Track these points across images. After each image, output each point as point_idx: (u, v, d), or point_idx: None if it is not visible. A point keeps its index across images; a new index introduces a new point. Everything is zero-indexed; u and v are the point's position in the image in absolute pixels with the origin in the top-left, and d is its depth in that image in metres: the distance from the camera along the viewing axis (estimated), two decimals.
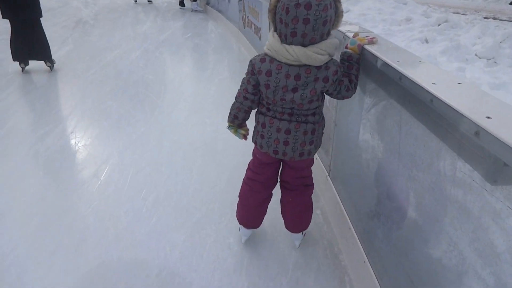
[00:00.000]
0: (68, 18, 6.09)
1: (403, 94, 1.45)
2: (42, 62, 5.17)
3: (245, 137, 2.07)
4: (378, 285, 1.70)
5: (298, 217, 2.13)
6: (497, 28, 6.88)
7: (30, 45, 4.88)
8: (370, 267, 1.80)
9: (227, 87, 4.77)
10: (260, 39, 5.15)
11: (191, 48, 6.53)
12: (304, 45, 1.59)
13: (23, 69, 5.13)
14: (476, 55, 5.90)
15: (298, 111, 1.74)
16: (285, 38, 1.61)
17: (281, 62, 1.65)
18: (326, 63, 1.63)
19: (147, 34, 7.42)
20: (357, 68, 1.74)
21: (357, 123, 1.98)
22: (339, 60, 1.75)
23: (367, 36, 1.87)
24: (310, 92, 1.66)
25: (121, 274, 2.08)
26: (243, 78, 1.82)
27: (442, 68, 1.48)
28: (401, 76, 1.44)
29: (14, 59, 4.97)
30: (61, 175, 2.96)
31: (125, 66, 5.50)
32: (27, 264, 2.13)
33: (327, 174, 2.54)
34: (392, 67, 1.51)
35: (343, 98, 1.76)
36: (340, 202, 2.27)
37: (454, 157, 1.13)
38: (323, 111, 1.88)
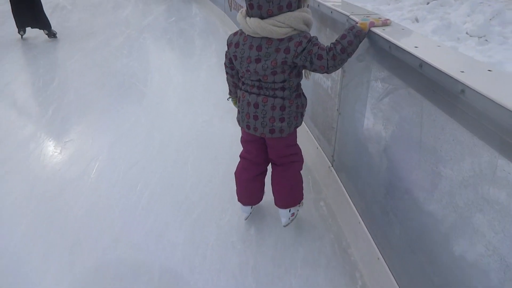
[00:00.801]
0: (44, 3, 5.76)
1: (425, 83, 1.34)
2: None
3: None
4: (396, 284, 1.62)
5: (284, 192, 2.11)
6: (484, 4, 6.81)
7: (29, 14, 5.46)
8: (386, 265, 1.72)
9: (216, 73, 4.59)
10: None
11: (176, 33, 6.29)
12: (262, 18, 1.66)
13: (22, 36, 5.76)
14: (467, 33, 5.83)
15: (265, 84, 1.77)
16: (247, 11, 1.71)
17: (248, 35, 1.73)
18: (291, 36, 1.65)
19: (129, 19, 7.12)
20: (349, 41, 1.62)
21: (366, 112, 1.87)
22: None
23: (380, 18, 1.75)
24: (271, 63, 1.69)
25: (120, 279, 1.96)
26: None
27: (463, 53, 1.36)
28: (422, 63, 1.33)
29: (17, 26, 5.61)
30: (48, 174, 2.79)
31: (108, 54, 5.26)
32: (21, 269, 1.99)
33: (330, 165, 2.44)
34: (411, 53, 1.39)
35: (319, 68, 1.66)
36: (347, 194, 2.18)
37: (493, 154, 1.03)
38: (302, 91, 1.88)
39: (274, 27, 1.64)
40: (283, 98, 1.78)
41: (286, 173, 2.08)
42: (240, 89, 1.90)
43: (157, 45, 5.80)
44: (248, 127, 1.89)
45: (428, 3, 7.29)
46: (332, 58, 1.64)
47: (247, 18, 1.71)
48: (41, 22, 5.63)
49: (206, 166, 2.83)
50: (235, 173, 2.18)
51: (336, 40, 1.66)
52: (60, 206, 2.45)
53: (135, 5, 8.16)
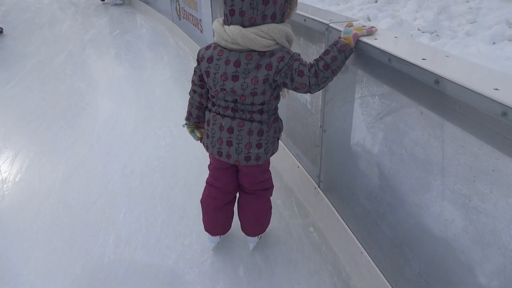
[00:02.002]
0: None
1: (445, 102, 1.14)
2: None
3: (200, 139, 1.90)
4: None
5: (255, 220, 1.99)
6: (429, 0, 6.96)
7: None
8: None
9: (172, 88, 4.27)
10: (201, 31, 4.68)
11: (123, 46, 5.86)
12: (244, 26, 1.48)
13: None
14: (419, 29, 5.90)
15: (242, 106, 1.59)
16: (226, 19, 1.52)
17: (224, 48, 1.55)
18: (272, 50, 1.50)
19: (68, 34, 6.57)
20: (333, 57, 1.47)
21: (359, 130, 1.67)
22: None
23: (363, 26, 1.55)
24: (251, 81, 1.51)
25: None
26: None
27: (482, 64, 1.19)
28: (439, 79, 1.14)
29: None
30: None
31: (50, 75, 4.76)
32: None
33: (317, 186, 2.22)
34: (420, 67, 1.20)
35: (300, 86, 1.49)
36: (341, 218, 1.97)
37: None
38: (278, 114, 1.74)
39: (257, 36, 1.46)
40: (261, 122, 1.62)
41: (257, 201, 1.93)
42: (210, 110, 1.70)
43: (103, 61, 5.35)
44: (219, 153, 1.69)
45: (376, 1, 7.35)
46: (315, 75, 1.48)
47: (225, 26, 1.51)
48: None
49: (177, 198, 2.52)
50: (201, 200, 1.98)
51: (319, 56, 1.51)
52: (5, 268, 2.05)
53: (73, 19, 7.59)
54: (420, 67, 1.21)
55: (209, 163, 1.92)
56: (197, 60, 1.66)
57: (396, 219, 1.50)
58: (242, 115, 1.60)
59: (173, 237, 2.21)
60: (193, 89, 1.76)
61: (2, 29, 5.62)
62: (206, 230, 2.03)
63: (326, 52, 1.49)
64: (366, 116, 1.58)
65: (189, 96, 1.82)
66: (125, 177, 2.75)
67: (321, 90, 1.92)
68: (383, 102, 1.46)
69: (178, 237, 2.21)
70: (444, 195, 1.21)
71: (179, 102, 3.87)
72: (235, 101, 1.59)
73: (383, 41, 1.44)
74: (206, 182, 1.96)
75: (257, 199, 1.92)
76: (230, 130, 1.62)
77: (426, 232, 1.33)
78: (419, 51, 1.36)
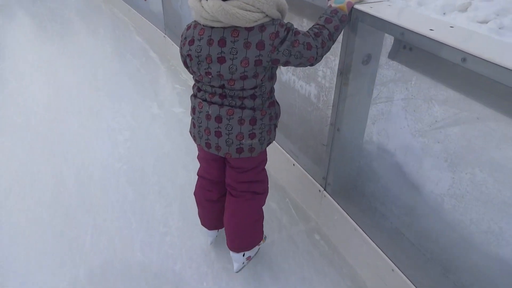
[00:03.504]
0: None
1: (473, 82, 0.92)
2: None
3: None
4: None
5: (239, 231, 1.70)
6: None
7: None
8: None
9: (118, 68, 3.69)
10: None
11: (46, 16, 4.99)
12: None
13: None
14: None
15: (231, 92, 1.38)
16: None
17: (204, 26, 1.33)
18: (262, 24, 1.28)
19: None
20: (336, 27, 1.37)
21: (399, 136, 1.41)
22: (319, 17, 1.39)
23: None
24: (241, 63, 1.30)
25: None
26: None
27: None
28: (466, 57, 0.91)
29: None
30: None
31: None
32: None
33: (322, 188, 1.97)
34: (439, 42, 0.98)
35: (307, 61, 1.35)
36: (359, 229, 1.74)
37: None
38: (275, 98, 1.53)
39: (241, 10, 1.24)
40: (253, 108, 1.42)
41: (244, 207, 1.66)
42: (195, 96, 1.49)
43: (25, 34, 4.51)
44: (208, 145, 1.50)
45: None
46: (321, 46, 1.34)
47: (203, 1, 1.29)
48: None
49: (154, 209, 2.13)
50: (194, 193, 1.80)
51: (319, 25, 1.37)
52: None
53: None
54: (440, 42, 1.00)
55: (197, 154, 1.70)
56: (181, 43, 1.42)
57: (432, 231, 1.29)
58: (232, 101, 1.40)
59: (159, 263, 1.84)
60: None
61: None
62: (202, 224, 1.84)
63: (328, 21, 1.36)
64: (414, 121, 1.32)
65: None
66: (82, 187, 2.27)
67: (334, 81, 1.67)
68: (446, 110, 1.20)
69: (165, 262, 1.85)
70: (498, 198, 1.01)
71: (130, 84, 3.36)
72: (222, 87, 1.38)
73: (452, 35, 1.16)
74: (197, 174, 1.75)
75: (244, 203, 1.65)
76: (218, 119, 1.42)
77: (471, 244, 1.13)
78: (425, 22, 1.13)
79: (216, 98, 1.41)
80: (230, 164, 1.59)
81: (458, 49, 1.07)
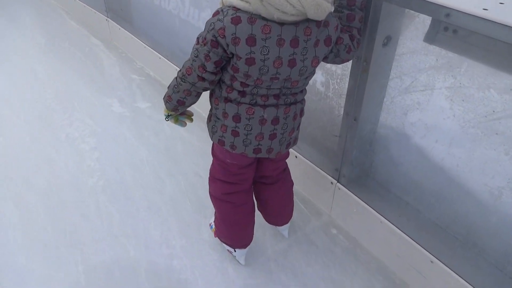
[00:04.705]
0: None
1: None
2: None
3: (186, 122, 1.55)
4: None
5: (285, 208, 1.73)
6: None
7: None
8: None
9: (59, 62, 3.21)
10: None
11: None
12: None
13: None
14: None
15: (287, 91, 1.26)
16: None
17: (268, 20, 1.09)
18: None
19: None
20: (361, 18, 1.26)
21: (442, 127, 1.29)
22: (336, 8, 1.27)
23: None
24: (312, 63, 1.19)
25: None
26: (195, 49, 1.20)
27: None
28: None
29: None
30: None
31: None
32: None
33: (335, 180, 1.83)
34: (499, 24, 0.88)
35: (341, 62, 1.31)
36: (383, 218, 1.64)
37: None
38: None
39: (327, 2, 1.07)
40: (302, 101, 1.36)
41: (284, 189, 1.67)
42: (236, 102, 1.26)
43: None
44: (257, 151, 1.34)
45: None
46: (356, 49, 1.27)
47: None
48: None
49: (148, 229, 1.87)
50: (221, 217, 1.60)
51: (349, 25, 1.25)
52: None
53: None
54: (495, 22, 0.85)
55: (215, 166, 1.53)
56: (215, 40, 1.13)
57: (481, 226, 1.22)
58: (287, 99, 1.28)
59: None
60: (201, 76, 1.23)
61: None
62: (239, 246, 1.67)
63: (352, 18, 1.24)
64: (463, 112, 1.19)
65: (177, 80, 1.32)
66: (55, 217, 1.94)
67: (349, 67, 1.54)
68: (508, 99, 1.07)
69: None
70: None
71: (77, 80, 2.95)
72: (280, 87, 1.24)
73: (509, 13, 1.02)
74: (220, 194, 1.54)
75: (282, 186, 1.65)
76: (275, 121, 1.29)
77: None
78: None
79: (271, 100, 1.25)
80: (268, 161, 1.52)
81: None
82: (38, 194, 2.04)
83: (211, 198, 1.60)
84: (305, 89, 1.36)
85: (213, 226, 1.76)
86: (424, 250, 1.54)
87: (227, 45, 1.12)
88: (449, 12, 1.10)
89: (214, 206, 1.62)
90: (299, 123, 1.41)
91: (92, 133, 2.45)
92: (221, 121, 1.32)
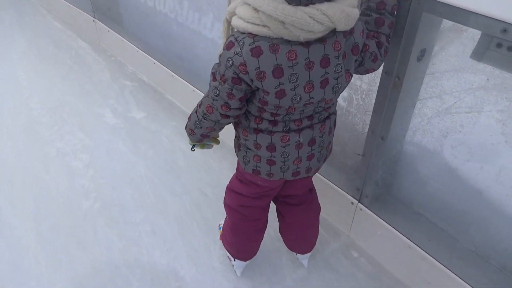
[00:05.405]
0: None
1: None
2: None
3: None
4: None
5: (309, 235, 1.61)
6: None
7: None
8: None
9: (45, 66, 2.98)
10: None
11: None
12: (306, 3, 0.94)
13: None
14: None
15: (320, 109, 1.17)
16: None
17: (292, 43, 0.97)
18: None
19: None
20: (391, 24, 1.14)
21: (493, 149, 1.16)
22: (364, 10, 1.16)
23: None
24: (346, 79, 1.09)
25: None
26: (215, 88, 1.09)
27: None
28: None
29: None
30: None
31: None
32: None
33: (356, 201, 1.69)
34: None
35: (365, 72, 1.19)
36: (411, 243, 1.51)
37: None
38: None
39: (354, 9, 0.99)
40: (334, 112, 1.28)
41: (311, 211, 1.55)
42: (268, 132, 1.17)
43: None
44: (296, 174, 1.27)
45: None
46: (383, 58, 1.15)
47: (302, 7, 0.92)
48: None
49: (153, 258, 1.71)
50: (230, 226, 1.54)
51: (377, 31, 1.13)
52: None
53: None
54: None
55: (240, 184, 1.43)
56: (236, 76, 1.02)
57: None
58: (320, 116, 1.20)
59: None
60: (224, 114, 1.13)
61: None
62: (237, 257, 1.62)
63: (380, 22, 1.12)
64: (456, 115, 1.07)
65: (197, 115, 1.22)
66: (47, 246, 1.76)
67: (379, 87, 1.39)
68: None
69: None
70: None
71: (65, 88, 2.74)
72: (314, 108, 1.15)
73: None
74: (236, 206, 1.47)
75: (308, 208, 1.54)
76: (312, 142, 1.21)
77: None
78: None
79: (305, 122, 1.17)
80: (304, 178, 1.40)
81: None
82: (26, 222, 1.86)
83: (224, 205, 1.54)
84: (336, 102, 1.27)
85: (221, 228, 1.69)
86: (459, 279, 1.42)
87: (251, 81, 1.01)
88: (506, 27, 0.96)
89: (226, 212, 1.55)
90: (333, 134, 1.32)
91: (84, 148, 2.26)
92: (253, 151, 1.22)
